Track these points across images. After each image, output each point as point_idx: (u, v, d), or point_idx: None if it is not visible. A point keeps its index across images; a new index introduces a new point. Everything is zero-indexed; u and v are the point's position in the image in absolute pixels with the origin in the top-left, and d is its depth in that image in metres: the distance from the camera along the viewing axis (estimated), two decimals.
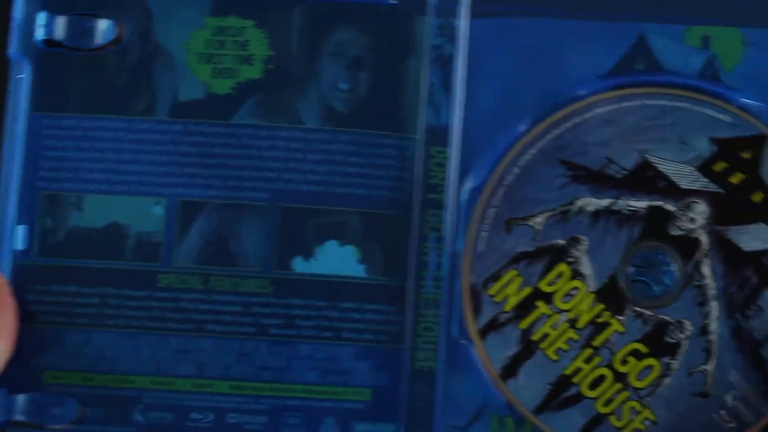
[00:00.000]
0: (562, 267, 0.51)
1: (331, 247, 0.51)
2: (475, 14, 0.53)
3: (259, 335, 0.51)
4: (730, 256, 0.51)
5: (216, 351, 0.51)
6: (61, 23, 0.52)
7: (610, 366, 0.51)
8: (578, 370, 0.51)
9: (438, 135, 0.52)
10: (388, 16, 0.52)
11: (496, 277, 0.51)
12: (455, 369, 0.51)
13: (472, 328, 0.51)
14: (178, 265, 0.51)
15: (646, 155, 0.51)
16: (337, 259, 0.51)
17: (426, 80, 0.52)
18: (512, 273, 0.51)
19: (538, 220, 0.51)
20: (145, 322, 0.51)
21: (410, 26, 0.53)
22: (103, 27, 0.52)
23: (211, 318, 0.51)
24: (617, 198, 0.51)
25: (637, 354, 0.51)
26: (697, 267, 0.51)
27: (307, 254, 0.51)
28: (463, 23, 0.53)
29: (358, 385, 0.51)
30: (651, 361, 0.50)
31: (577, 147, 0.51)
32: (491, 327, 0.51)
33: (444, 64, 0.53)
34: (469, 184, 0.52)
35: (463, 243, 0.51)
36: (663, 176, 0.51)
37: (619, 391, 0.50)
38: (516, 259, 0.51)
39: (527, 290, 0.51)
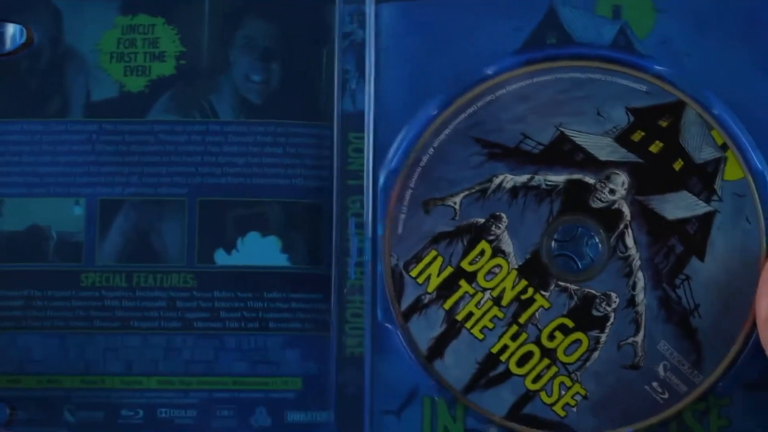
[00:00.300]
0: (483, 245, 0.51)
1: (253, 238, 0.52)
2: None
3: (185, 329, 0.51)
4: (653, 225, 0.51)
5: (143, 347, 0.51)
6: None
7: (537, 342, 0.51)
8: (505, 347, 0.51)
9: (354, 121, 0.52)
10: (297, 6, 0.53)
11: (417, 258, 0.51)
12: (383, 353, 0.52)
13: (397, 311, 0.52)
14: (100, 263, 0.51)
15: (562, 128, 0.51)
16: (259, 250, 0.51)
17: (339, 68, 0.53)
18: (433, 253, 0.51)
19: (456, 200, 0.51)
20: (70, 322, 0.51)
21: (320, 14, 0.53)
22: (12, 32, 0.53)
23: (137, 315, 0.51)
24: (535, 173, 0.51)
25: (564, 329, 0.51)
26: (620, 238, 0.51)
27: (229, 246, 0.51)
28: (371, 9, 0.53)
29: (288, 375, 0.51)
30: (578, 335, 0.51)
31: (492, 125, 0.51)
32: (415, 309, 0.51)
33: (357, 50, 0.53)
34: (386, 168, 0.52)
35: (383, 227, 0.52)
36: (580, 149, 0.51)
37: (547, 367, 0.51)
38: (436, 240, 0.51)
39: (449, 270, 0.51)
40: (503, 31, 0.52)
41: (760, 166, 0.51)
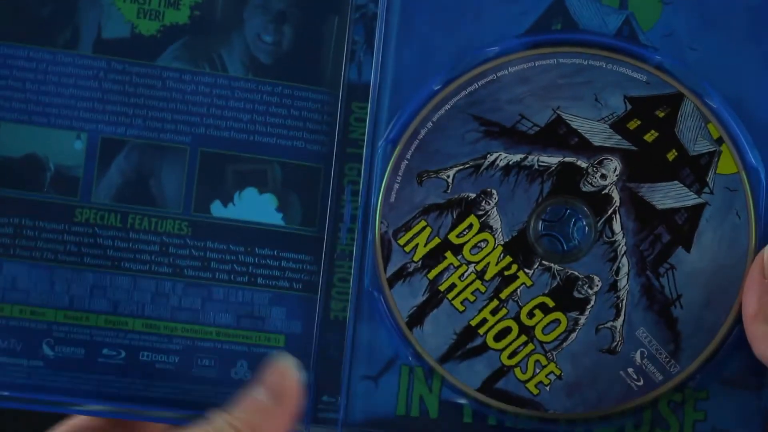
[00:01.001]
0: (472, 219, 0.52)
1: (250, 194, 0.52)
2: None
3: (175, 276, 0.51)
4: (642, 213, 0.52)
5: (131, 289, 0.51)
6: None
7: (516, 318, 0.52)
8: (484, 321, 0.51)
9: (359, 91, 0.53)
10: None
11: (406, 227, 0.52)
12: (367, 319, 0.52)
13: (383, 278, 0.52)
14: (96, 200, 0.51)
15: (559, 111, 0.52)
16: (255, 206, 0.52)
17: (349, 38, 0.54)
18: (422, 224, 0.52)
19: (449, 173, 0.52)
20: (60, 256, 0.51)
21: None
22: None
23: (128, 256, 0.51)
24: (529, 153, 0.52)
25: (544, 308, 0.51)
26: (608, 223, 0.52)
27: (226, 199, 0.52)
28: None
29: (272, 331, 0.51)
30: (558, 315, 0.51)
31: (491, 104, 0.52)
32: (399, 276, 0.52)
33: (367, 23, 0.54)
34: (384, 139, 0.53)
35: (378, 195, 0.52)
36: (575, 133, 0.52)
37: (524, 344, 0.51)
38: (426, 211, 0.52)
39: (436, 241, 0.52)
40: (510, 15, 0.53)
41: (754, 163, 0.51)
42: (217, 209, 0.51)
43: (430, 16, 0.53)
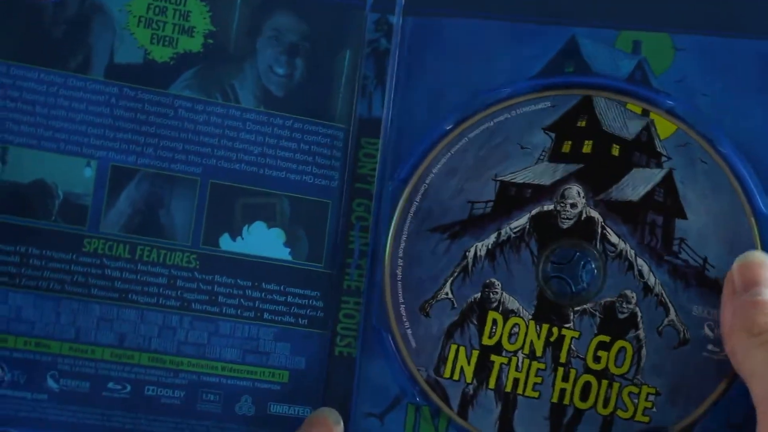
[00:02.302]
0: (492, 315, 0.52)
1: (258, 228, 0.51)
2: (410, 12, 0.54)
3: (183, 309, 0.50)
4: (626, 213, 0.52)
5: (138, 322, 0.50)
6: None
7: (587, 371, 0.51)
8: (563, 391, 0.51)
9: (369, 127, 0.53)
10: (326, 7, 0.53)
11: (442, 360, 0.51)
12: (373, 357, 0.52)
13: (391, 316, 0.51)
14: (105, 231, 0.50)
15: (499, 178, 0.52)
16: (263, 241, 0.51)
17: (360, 73, 0.53)
18: (453, 347, 0.51)
19: (446, 290, 0.52)
20: (67, 286, 0.50)
21: (348, 19, 0.53)
22: None
23: (136, 288, 0.50)
24: (499, 229, 0.52)
25: (603, 346, 0.51)
26: (604, 240, 0.52)
27: (235, 233, 0.51)
28: (398, 20, 0.54)
29: (276, 367, 0.51)
30: (619, 343, 0.51)
31: (438, 209, 0.52)
32: (466, 404, 0.51)
33: (379, 58, 0.54)
34: (395, 177, 0.52)
35: (387, 234, 0.52)
36: (525, 186, 0.52)
37: (609, 387, 0.51)
38: (449, 334, 0.52)
39: (475, 354, 0.51)
40: (522, 57, 0.53)
41: (764, 209, 0.51)
42: (226, 243, 0.51)
43: (442, 54, 0.53)
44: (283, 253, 0.51)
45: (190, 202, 0.51)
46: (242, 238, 0.51)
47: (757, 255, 0.50)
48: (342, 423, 0.50)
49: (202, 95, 0.51)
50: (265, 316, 0.51)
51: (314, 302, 0.51)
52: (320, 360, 0.51)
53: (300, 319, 0.51)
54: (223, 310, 0.50)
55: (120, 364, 0.49)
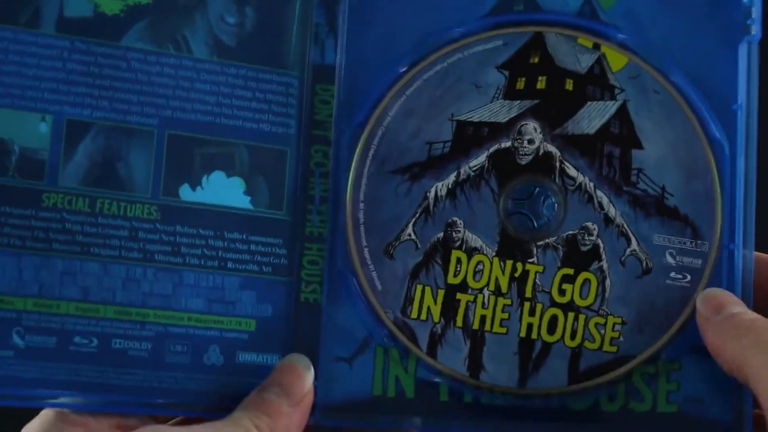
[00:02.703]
0: (456, 254, 0.52)
1: (218, 177, 0.51)
2: None
3: (146, 261, 0.50)
4: (582, 146, 0.53)
5: (102, 275, 0.49)
6: None
7: (553, 304, 0.52)
8: (530, 326, 0.51)
9: (323, 73, 0.53)
10: None
11: (409, 301, 0.51)
12: (339, 301, 0.52)
13: (355, 260, 0.52)
14: (64, 185, 0.49)
15: (455, 118, 0.53)
16: (223, 190, 0.51)
17: (312, 20, 0.53)
18: (419, 288, 0.52)
19: (409, 231, 0.52)
20: (28, 242, 0.49)
21: None
22: None
23: (98, 241, 0.49)
24: (459, 168, 0.52)
25: (568, 278, 0.52)
26: (563, 174, 0.52)
27: (195, 183, 0.51)
28: None
29: (242, 315, 0.51)
30: (583, 275, 0.52)
31: (397, 151, 0.52)
32: (435, 343, 0.51)
33: (329, 5, 0.53)
34: (352, 122, 0.52)
35: (347, 179, 0.52)
36: (482, 124, 0.53)
37: (575, 319, 0.51)
38: (414, 275, 0.52)
39: (441, 293, 0.52)
40: None
41: (718, 136, 0.52)
42: (186, 193, 0.50)
43: None
44: (244, 202, 0.51)
45: (148, 153, 0.50)
46: (202, 188, 0.51)
47: (713, 291, 0.51)
48: (312, 368, 0.50)
49: (155, 47, 0.51)
50: (229, 265, 0.51)
51: (277, 249, 0.51)
52: (286, 307, 0.51)
53: (264, 267, 0.51)
54: (187, 260, 0.50)
55: (85, 318, 0.49)
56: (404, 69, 0.53)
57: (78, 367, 0.49)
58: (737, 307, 0.50)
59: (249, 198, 0.51)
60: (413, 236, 0.52)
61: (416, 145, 0.52)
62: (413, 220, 0.52)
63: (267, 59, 0.52)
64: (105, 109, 0.50)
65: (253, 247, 0.51)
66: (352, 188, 0.52)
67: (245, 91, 0.51)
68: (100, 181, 0.50)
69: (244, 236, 0.51)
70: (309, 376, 0.50)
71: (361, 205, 0.52)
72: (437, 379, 0.51)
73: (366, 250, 0.52)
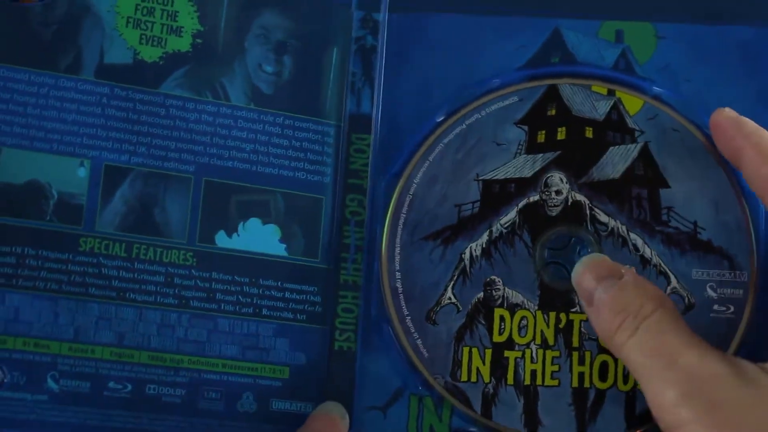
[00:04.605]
0: (498, 312, 0.52)
1: (254, 224, 0.51)
2: (395, 8, 0.54)
3: (181, 307, 0.50)
4: (610, 191, 0.52)
5: (137, 320, 0.49)
6: None
7: (601, 350, 0.51)
8: (581, 375, 0.51)
9: (359, 122, 0.53)
10: (312, 4, 0.53)
11: (457, 365, 0.51)
12: (373, 350, 0.51)
13: (391, 309, 0.51)
14: (101, 230, 0.50)
15: (480, 178, 0.53)
16: (259, 237, 0.51)
17: (348, 70, 0.54)
18: (466, 350, 0.51)
19: (449, 296, 0.52)
20: (64, 286, 0.49)
21: (334, 16, 0.53)
22: None
23: (134, 287, 0.50)
24: (490, 226, 0.52)
25: None
26: (594, 221, 0.52)
27: (231, 230, 0.51)
28: (384, 17, 0.54)
29: (276, 363, 0.51)
30: None
31: (427, 218, 0.52)
32: (489, 404, 0.51)
33: (366, 55, 0.54)
34: (387, 172, 0.53)
35: (383, 228, 0.52)
36: (508, 181, 0.53)
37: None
38: (459, 338, 0.51)
39: (488, 352, 0.51)
40: (509, 48, 0.54)
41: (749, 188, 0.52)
42: (222, 240, 0.50)
43: (428, 49, 0.54)
44: (279, 249, 0.51)
45: (185, 199, 0.50)
46: (238, 235, 0.51)
47: (575, 274, 0.49)
48: (347, 417, 0.50)
49: (193, 94, 0.51)
50: (264, 312, 0.51)
51: (312, 297, 0.51)
52: (320, 355, 0.51)
53: (298, 315, 0.51)
54: (222, 307, 0.50)
55: (120, 363, 0.49)
56: (441, 119, 0.53)
57: (111, 412, 0.49)
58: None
59: (284, 245, 0.51)
60: (453, 299, 0.52)
61: (445, 209, 0.52)
62: (451, 283, 0.52)
63: (304, 108, 0.52)
64: (143, 155, 0.50)
65: (287, 294, 0.51)
66: (387, 255, 0.51)
67: (282, 139, 0.52)
68: (137, 226, 0.50)
69: (279, 283, 0.51)
70: (344, 425, 0.50)
71: (398, 274, 0.52)
72: (473, 429, 0.51)
73: (408, 318, 0.51)
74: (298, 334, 0.51)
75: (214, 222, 0.51)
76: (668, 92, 0.53)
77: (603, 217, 0.52)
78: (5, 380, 0.48)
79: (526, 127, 0.53)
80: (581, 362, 0.51)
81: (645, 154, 0.52)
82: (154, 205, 0.50)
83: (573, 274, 0.50)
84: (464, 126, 0.53)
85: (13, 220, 0.49)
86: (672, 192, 0.52)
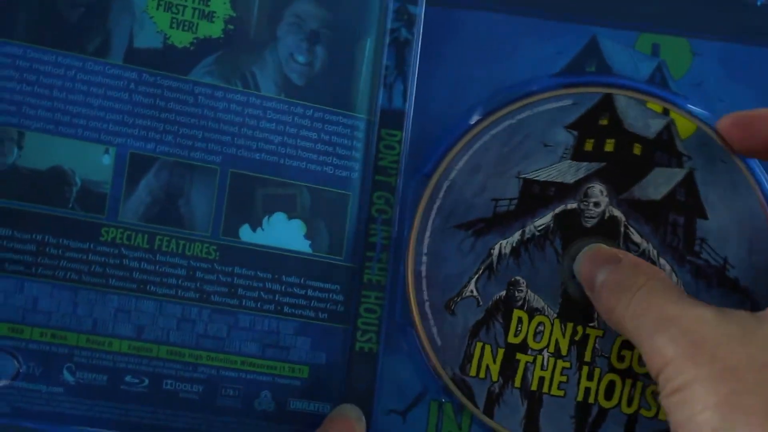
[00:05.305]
0: (517, 313, 0.51)
1: (279, 219, 0.50)
2: (432, 2, 0.53)
3: (202, 302, 0.49)
4: (648, 213, 0.52)
5: (157, 314, 0.48)
6: None
7: (612, 370, 0.51)
8: (588, 390, 0.51)
9: (390, 118, 0.52)
10: None
11: (468, 358, 0.51)
12: (395, 353, 0.51)
13: (414, 312, 0.51)
14: (123, 219, 0.48)
15: (523, 176, 0.52)
16: (284, 232, 0.50)
17: (381, 63, 0.52)
18: (479, 345, 0.51)
19: (472, 288, 0.51)
20: (84, 276, 0.48)
21: (368, 7, 0.52)
22: None
23: (155, 279, 0.49)
24: (524, 227, 0.52)
25: (628, 345, 0.51)
26: (627, 240, 0.52)
27: (255, 224, 0.50)
28: (421, 9, 0.53)
29: (296, 362, 0.50)
30: None
31: (463, 207, 0.51)
32: (492, 402, 0.50)
33: (399, 48, 0.53)
34: (418, 172, 0.52)
35: (410, 230, 0.51)
36: (549, 184, 0.52)
37: (632, 386, 0.51)
38: (474, 332, 0.51)
39: (501, 352, 0.51)
40: (545, 54, 0.53)
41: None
42: (246, 234, 0.49)
43: (463, 46, 0.53)
44: (304, 246, 0.50)
45: (210, 191, 0.49)
46: (262, 229, 0.50)
47: (579, 263, 0.50)
48: (364, 420, 0.49)
49: (222, 82, 0.50)
50: (285, 309, 0.50)
51: (334, 296, 0.50)
52: (341, 355, 0.50)
53: (320, 313, 0.50)
54: (243, 303, 0.49)
55: (138, 357, 0.48)
56: (473, 121, 0.52)
57: (128, 406, 0.48)
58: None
59: (309, 242, 0.50)
60: (475, 293, 0.51)
61: (482, 201, 0.51)
62: (476, 276, 0.51)
63: (334, 100, 0.51)
64: (169, 144, 0.49)
65: (310, 292, 0.50)
66: (415, 239, 0.51)
67: (310, 132, 0.51)
68: (161, 217, 0.49)
69: (302, 281, 0.50)
70: (361, 428, 0.49)
71: (424, 258, 0.51)
72: None
73: (427, 303, 0.51)
74: (319, 333, 0.50)
75: (239, 215, 0.49)
76: (701, 110, 0.52)
77: (636, 237, 0.51)
78: (21, 370, 0.47)
79: (576, 132, 0.52)
80: (590, 377, 0.51)
81: (689, 180, 0.52)
82: (179, 196, 0.49)
83: (574, 266, 0.50)
84: (514, 121, 0.52)
85: (34, 206, 0.48)
86: (708, 224, 0.51)
